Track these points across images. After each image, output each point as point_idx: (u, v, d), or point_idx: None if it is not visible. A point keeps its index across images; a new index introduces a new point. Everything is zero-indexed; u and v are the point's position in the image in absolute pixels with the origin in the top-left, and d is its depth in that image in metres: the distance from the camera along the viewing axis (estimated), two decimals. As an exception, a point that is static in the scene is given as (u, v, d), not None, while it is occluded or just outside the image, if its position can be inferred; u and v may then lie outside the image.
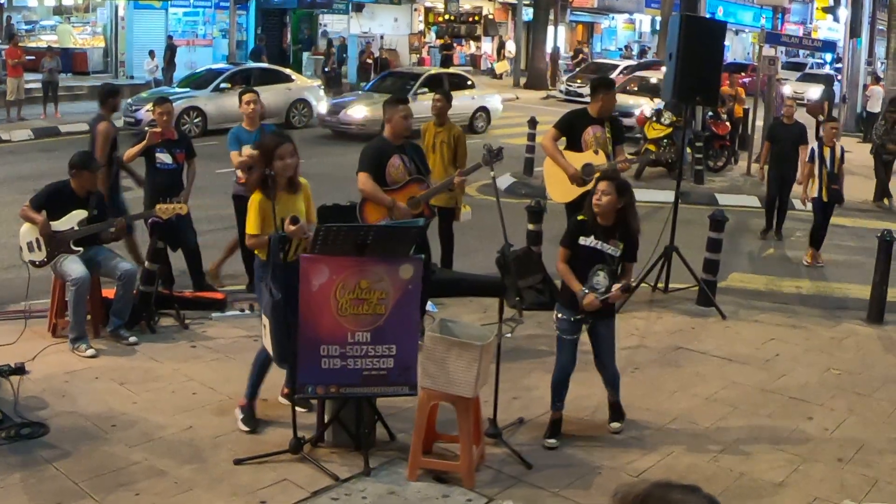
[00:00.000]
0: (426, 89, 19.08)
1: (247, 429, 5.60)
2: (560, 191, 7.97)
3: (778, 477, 5.31)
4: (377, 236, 5.01)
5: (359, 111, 19.08)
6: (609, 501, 1.69)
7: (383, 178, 6.84)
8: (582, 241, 5.49)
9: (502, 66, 36.77)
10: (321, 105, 20.68)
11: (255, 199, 5.50)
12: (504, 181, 14.31)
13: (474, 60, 39.74)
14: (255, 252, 5.70)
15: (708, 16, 24.94)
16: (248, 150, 8.20)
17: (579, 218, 5.59)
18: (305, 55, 31.34)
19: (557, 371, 5.69)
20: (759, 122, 18.12)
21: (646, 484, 1.69)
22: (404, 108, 6.92)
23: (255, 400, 5.71)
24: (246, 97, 8.50)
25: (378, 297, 5.03)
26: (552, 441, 5.66)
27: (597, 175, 7.75)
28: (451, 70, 26.46)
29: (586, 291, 5.43)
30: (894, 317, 8.66)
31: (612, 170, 7.21)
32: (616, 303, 5.79)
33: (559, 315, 5.64)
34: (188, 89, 19.53)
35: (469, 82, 22.13)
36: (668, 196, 13.12)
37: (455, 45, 37.56)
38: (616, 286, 5.46)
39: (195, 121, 18.68)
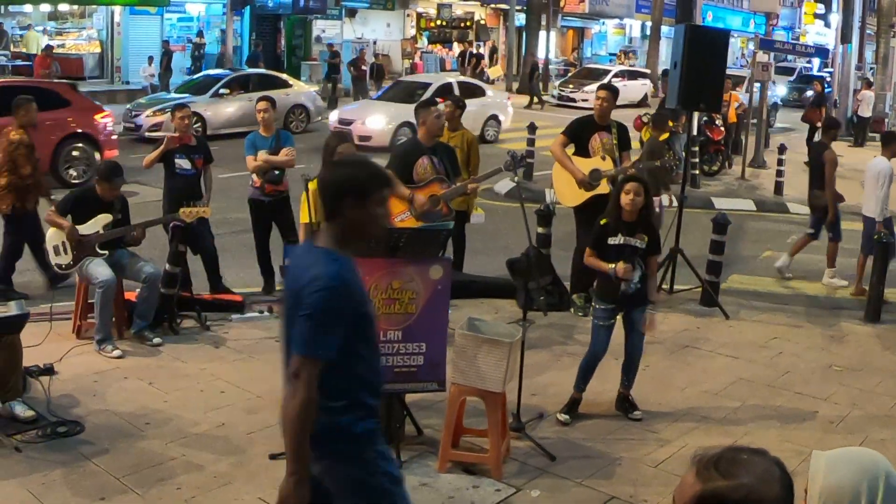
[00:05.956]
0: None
1: None
2: (569, 195, 8.23)
3: (788, 467, 5.52)
4: (409, 239, 5.22)
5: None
6: (689, 462, 1.92)
7: (411, 177, 7.19)
8: (611, 241, 5.92)
9: (496, 72, 37.02)
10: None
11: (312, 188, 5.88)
12: (504, 185, 14.51)
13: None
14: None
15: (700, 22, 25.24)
16: (263, 155, 8.42)
17: (602, 222, 6.02)
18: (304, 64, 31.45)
19: (589, 356, 6.10)
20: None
21: (719, 447, 1.93)
22: (436, 109, 7.31)
23: None
24: (259, 105, 8.70)
25: (409, 296, 5.23)
26: (565, 416, 6.03)
27: (604, 179, 8.03)
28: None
29: (614, 267, 5.84)
30: (891, 316, 8.92)
31: (638, 171, 7.58)
32: (651, 292, 6.15)
33: (597, 305, 6.07)
34: (187, 95, 19.65)
35: None
36: (665, 200, 13.38)
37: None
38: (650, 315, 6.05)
39: (195, 126, 18.72)
